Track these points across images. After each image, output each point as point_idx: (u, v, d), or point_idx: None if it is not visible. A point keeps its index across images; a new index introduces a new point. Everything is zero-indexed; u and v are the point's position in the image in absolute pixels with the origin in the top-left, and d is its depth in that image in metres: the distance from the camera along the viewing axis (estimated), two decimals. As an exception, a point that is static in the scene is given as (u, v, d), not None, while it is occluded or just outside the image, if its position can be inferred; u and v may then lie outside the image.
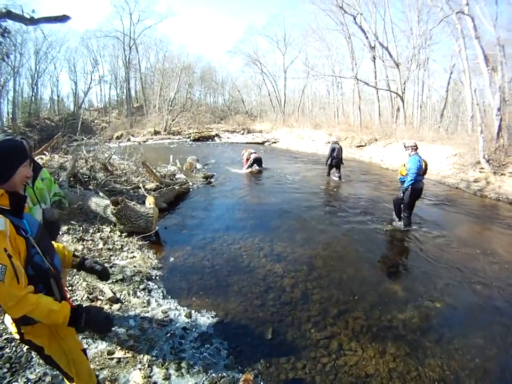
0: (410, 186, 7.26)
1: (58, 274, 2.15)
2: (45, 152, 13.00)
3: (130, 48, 48.50)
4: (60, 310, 1.88)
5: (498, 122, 13.28)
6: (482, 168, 12.90)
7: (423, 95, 27.46)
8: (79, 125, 37.91)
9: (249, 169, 15.31)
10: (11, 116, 37.05)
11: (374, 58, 26.87)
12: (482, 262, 6.09)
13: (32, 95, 42.67)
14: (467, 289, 5.15)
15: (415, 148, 7.47)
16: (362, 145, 22.22)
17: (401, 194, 7.44)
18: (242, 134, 37.13)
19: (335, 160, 13.22)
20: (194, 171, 14.44)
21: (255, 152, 15.86)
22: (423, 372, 3.41)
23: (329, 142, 14.46)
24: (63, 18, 8.21)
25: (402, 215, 7.74)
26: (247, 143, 28.76)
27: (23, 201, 1.97)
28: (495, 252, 6.63)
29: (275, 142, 29.72)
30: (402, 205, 7.67)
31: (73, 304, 2.08)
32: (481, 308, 4.64)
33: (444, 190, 12.47)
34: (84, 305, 2.07)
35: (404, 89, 24.70)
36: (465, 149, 14.86)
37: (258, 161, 15.57)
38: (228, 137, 34.48)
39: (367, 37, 26.40)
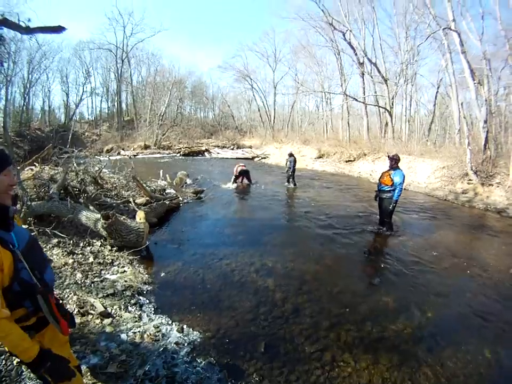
0: (398, 198, 7.83)
1: (47, 290, 2.05)
2: (35, 163, 12.94)
3: (122, 61, 48.72)
4: (28, 349, 1.82)
5: (485, 134, 13.53)
6: (470, 180, 13.09)
7: (411, 109, 27.89)
8: (70, 136, 37.57)
9: (236, 184, 15.53)
10: (2, 125, 36.79)
11: (363, 74, 27.21)
12: (472, 271, 6.17)
13: (24, 104, 42.22)
14: (458, 298, 5.20)
15: (398, 160, 8.00)
16: (351, 160, 22.37)
17: (392, 206, 7.92)
18: (232, 149, 37.27)
19: (292, 170, 15.39)
20: (184, 186, 14.44)
21: (243, 165, 15.99)
22: (416, 380, 3.43)
23: (291, 155, 15.74)
24: (58, 29, 8.19)
25: (385, 221, 8.31)
26: (237, 158, 28.84)
27: (6, 212, 1.88)
28: (484, 261, 6.74)
29: (265, 158, 29.90)
30: (386, 213, 8.23)
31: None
32: (472, 316, 4.69)
33: (433, 202, 12.62)
34: (52, 353, 1.98)
35: (392, 104, 25.02)
36: (453, 161, 15.07)
37: (245, 172, 15.78)
38: (218, 153, 34.63)
39: (356, 53, 26.78)
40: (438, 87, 29.07)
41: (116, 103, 52.95)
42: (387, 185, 7.93)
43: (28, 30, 7.93)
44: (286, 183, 15.84)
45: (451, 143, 21.17)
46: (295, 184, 15.59)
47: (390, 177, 7.87)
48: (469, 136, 13.75)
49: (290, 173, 15.52)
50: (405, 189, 8.46)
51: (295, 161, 15.45)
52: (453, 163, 14.96)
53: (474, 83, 14.18)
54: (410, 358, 3.76)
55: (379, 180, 8.28)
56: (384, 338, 4.14)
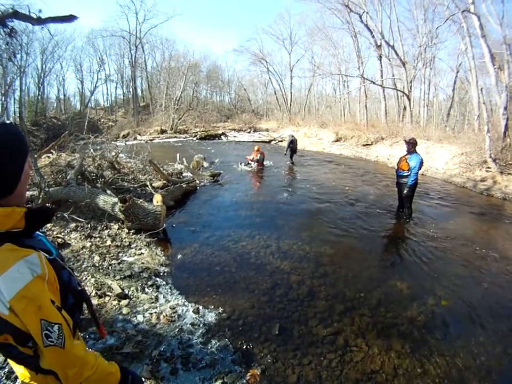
0: (413, 183, 7.80)
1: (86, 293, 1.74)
2: (52, 150, 13.11)
3: (136, 47, 48.63)
4: (116, 372, 1.50)
5: (504, 122, 13.19)
6: (488, 168, 12.83)
7: (429, 94, 27.40)
8: (86, 123, 38.07)
9: (251, 166, 15.79)
10: (18, 115, 37.18)
11: (380, 57, 26.77)
12: (488, 261, 6.09)
13: (39, 94, 42.77)
14: (472, 287, 5.15)
15: (415, 144, 7.95)
16: (368, 144, 22.15)
17: (406, 190, 7.90)
18: (249, 132, 37.12)
19: (292, 149, 16.91)
20: (201, 169, 14.53)
21: (257, 151, 16.19)
22: (427, 369, 3.42)
23: (291, 136, 17.80)
24: (69, 18, 8.22)
25: (405, 206, 8.24)
26: (253, 141, 28.79)
27: (51, 216, 1.49)
28: (501, 251, 6.60)
29: (281, 141, 29.65)
30: (404, 198, 8.16)
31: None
32: (486, 306, 4.64)
33: (451, 189, 12.40)
34: (126, 368, 1.65)
35: (410, 88, 24.60)
36: (472, 148, 14.76)
37: (260, 159, 16.04)
38: (235, 136, 34.49)
39: (373, 36, 26.32)
40: (457, 72, 28.44)
41: (131, 89, 53.21)
42: (404, 170, 7.86)
43: (39, 21, 7.98)
44: (289, 162, 17.18)
45: (470, 129, 20.71)
46: (292, 163, 17.09)
47: (407, 162, 7.81)
48: (489, 122, 13.39)
49: (290, 152, 16.97)
50: (422, 174, 8.37)
51: (291, 141, 16.83)
52: (471, 150, 14.67)
53: (495, 68, 13.80)
54: (423, 346, 3.76)
55: (397, 164, 8.21)
56: (398, 324, 4.15)
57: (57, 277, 1.36)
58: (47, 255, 1.34)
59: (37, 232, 1.49)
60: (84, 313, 3.66)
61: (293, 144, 16.88)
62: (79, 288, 1.56)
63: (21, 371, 1.48)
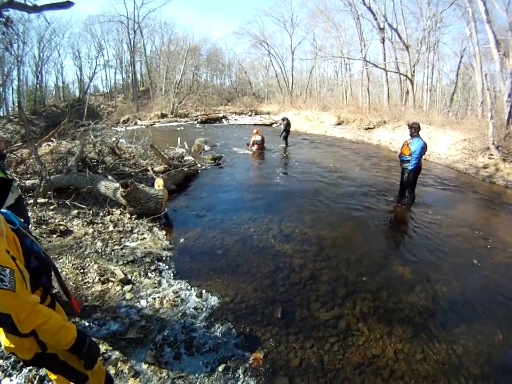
0: (414, 167, 7.70)
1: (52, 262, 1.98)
2: (52, 138, 13.08)
3: (134, 32, 47.85)
4: (70, 328, 1.71)
5: (508, 109, 12.98)
6: (491, 155, 12.69)
7: (432, 78, 27.15)
8: (85, 110, 37.78)
9: (252, 150, 15.82)
10: (17, 104, 36.92)
11: (383, 39, 26.33)
12: (489, 248, 6.07)
13: (37, 83, 42.14)
14: (474, 274, 5.16)
15: (418, 128, 7.84)
16: (370, 128, 21.87)
17: (406, 175, 7.90)
18: (250, 115, 36.73)
19: (287, 132, 17.30)
20: (202, 153, 14.53)
21: (255, 133, 16.27)
22: (428, 354, 3.44)
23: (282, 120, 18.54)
24: (66, 4, 8.11)
25: (407, 191, 8.17)
26: (254, 124, 28.60)
27: (8, 187, 1.69)
28: (502, 238, 6.59)
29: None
30: (406, 183, 8.10)
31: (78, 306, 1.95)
32: (487, 293, 4.65)
33: (453, 175, 12.33)
34: (87, 334, 1.88)
35: (413, 72, 24.26)
36: (475, 134, 14.57)
37: (260, 141, 16.06)
38: (236, 119, 34.29)
39: (376, 18, 25.87)
40: (461, 57, 28.12)
41: (130, 74, 52.61)
42: (406, 154, 7.80)
43: (35, 9, 7.91)
44: (282, 144, 17.40)
45: (473, 115, 20.49)
46: (286, 144, 17.40)
47: (408, 146, 7.75)
48: (492, 109, 13.15)
49: (284, 134, 17.20)
50: (425, 159, 8.28)
51: (288, 124, 17.23)
52: (474, 136, 14.47)
53: (499, 54, 13.54)
54: (423, 331, 3.78)
55: (400, 149, 8.16)
56: (399, 309, 4.17)
57: (21, 243, 1.63)
58: (11, 226, 1.62)
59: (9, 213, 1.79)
60: (88, 300, 3.72)
61: (289, 126, 17.29)
62: (43, 255, 1.84)
63: (2, 337, 1.72)
